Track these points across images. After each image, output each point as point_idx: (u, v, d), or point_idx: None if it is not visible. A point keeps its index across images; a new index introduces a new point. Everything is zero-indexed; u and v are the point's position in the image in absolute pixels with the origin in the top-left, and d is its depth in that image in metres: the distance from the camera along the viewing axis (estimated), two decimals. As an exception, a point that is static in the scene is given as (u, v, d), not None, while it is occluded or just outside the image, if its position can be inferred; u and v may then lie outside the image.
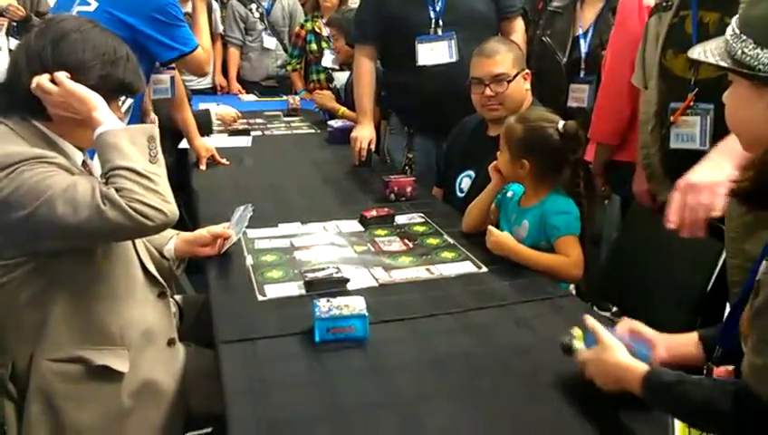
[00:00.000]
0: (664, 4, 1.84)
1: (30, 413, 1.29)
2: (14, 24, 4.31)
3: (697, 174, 1.35)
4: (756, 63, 0.93)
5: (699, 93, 1.73)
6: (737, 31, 0.96)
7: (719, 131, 1.69)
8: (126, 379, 1.34)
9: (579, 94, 2.44)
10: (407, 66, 2.54)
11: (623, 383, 1.06)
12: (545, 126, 1.73)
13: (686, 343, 1.20)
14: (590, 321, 1.16)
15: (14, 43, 4.29)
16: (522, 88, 2.12)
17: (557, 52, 2.49)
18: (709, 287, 1.68)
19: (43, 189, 1.20)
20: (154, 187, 1.24)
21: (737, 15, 0.99)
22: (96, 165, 1.41)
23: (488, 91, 2.08)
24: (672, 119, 1.79)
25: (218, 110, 3.31)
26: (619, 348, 1.09)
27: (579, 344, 1.17)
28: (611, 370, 1.08)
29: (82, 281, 1.32)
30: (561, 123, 1.72)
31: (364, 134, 2.62)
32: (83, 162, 1.40)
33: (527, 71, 2.14)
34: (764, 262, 0.92)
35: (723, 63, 0.97)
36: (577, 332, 1.18)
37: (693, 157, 1.77)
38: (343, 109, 3.42)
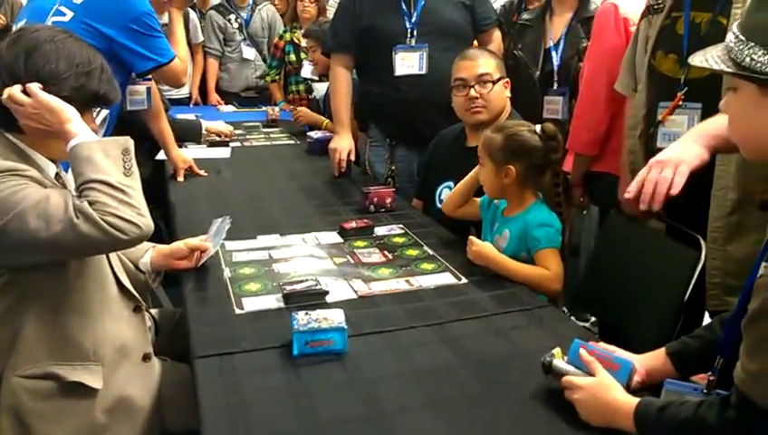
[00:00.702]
0: (655, 6, 1.86)
1: (0, 431, 1.25)
2: None
3: (665, 152, 1.39)
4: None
5: (688, 93, 1.74)
6: (742, 37, 0.95)
7: None
8: (100, 395, 1.31)
9: (553, 106, 2.46)
10: (383, 76, 2.55)
11: (613, 422, 1.05)
12: (523, 130, 1.76)
13: (655, 359, 1.21)
14: (586, 355, 1.14)
15: None
16: (503, 94, 2.14)
17: (529, 65, 2.51)
18: (687, 296, 1.70)
19: (14, 203, 1.17)
20: (128, 200, 1.22)
21: (738, 22, 0.99)
22: (70, 178, 1.38)
23: (472, 93, 2.10)
24: (660, 117, 1.79)
25: (209, 124, 3.28)
26: (615, 387, 1.08)
27: (560, 362, 1.17)
28: (602, 408, 1.07)
29: (55, 296, 1.29)
30: (538, 127, 1.76)
31: (343, 145, 2.61)
32: (57, 175, 1.38)
33: (507, 79, 2.16)
34: (763, 264, 0.91)
35: (727, 69, 0.96)
36: (557, 350, 1.19)
37: None
38: (327, 121, 3.42)
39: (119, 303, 1.41)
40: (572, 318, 2.17)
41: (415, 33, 2.52)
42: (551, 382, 1.18)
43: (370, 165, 2.85)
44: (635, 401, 1.04)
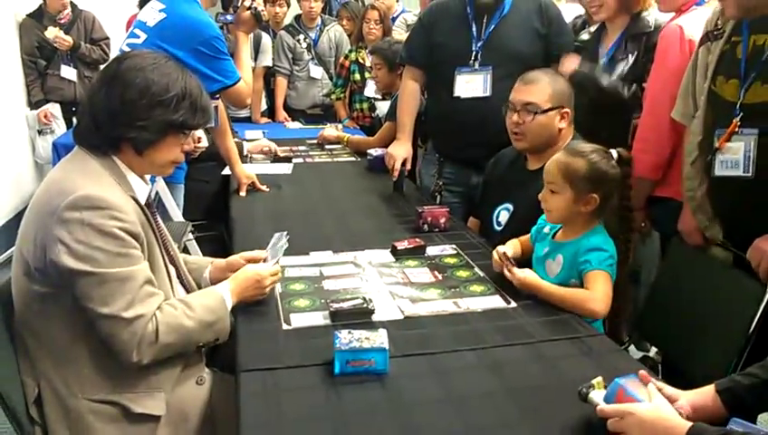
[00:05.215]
0: (715, 32, 1.81)
1: None
2: (67, 53, 4.49)
3: None
4: None
5: (744, 118, 1.68)
6: None
7: (762, 158, 1.64)
8: (162, 419, 1.38)
9: None
10: (444, 95, 2.57)
11: None
12: (603, 157, 1.71)
13: (704, 396, 1.15)
14: (645, 374, 1.14)
15: (65, 70, 4.48)
16: (553, 124, 2.03)
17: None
18: (751, 329, 1.61)
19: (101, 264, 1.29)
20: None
21: None
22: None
23: (515, 117, 2.05)
24: (717, 144, 1.74)
25: (251, 146, 3.30)
26: (675, 416, 1.06)
27: (596, 397, 1.13)
28: (651, 427, 1.04)
29: None
30: (614, 151, 1.72)
31: (399, 152, 2.64)
32: (147, 204, 1.45)
33: (566, 109, 2.05)
34: None
35: None
36: (598, 380, 1.15)
37: (736, 185, 1.71)
38: (348, 136, 3.60)
39: None
40: (632, 347, 2.09)
41: (479, 56, 2.51)
42: (593, 415, 1.13)
43: (420, 177, 2.89)
44: (686, 423, 1.02)
